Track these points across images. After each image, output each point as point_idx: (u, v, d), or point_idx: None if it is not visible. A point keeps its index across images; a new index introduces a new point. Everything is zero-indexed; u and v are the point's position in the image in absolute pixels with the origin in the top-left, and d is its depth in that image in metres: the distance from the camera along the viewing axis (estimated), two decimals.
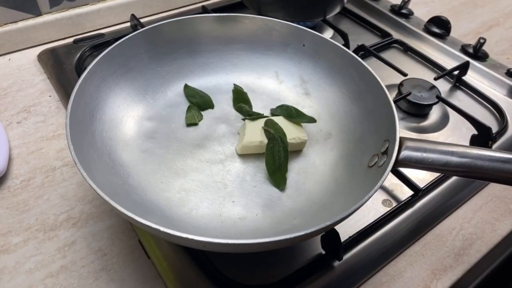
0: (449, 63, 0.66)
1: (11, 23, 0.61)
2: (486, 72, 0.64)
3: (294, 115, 0.47)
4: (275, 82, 0.53)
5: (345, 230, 0.41)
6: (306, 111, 0.49)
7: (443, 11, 0.82)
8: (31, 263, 0.39)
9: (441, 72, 0.62)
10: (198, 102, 0.49)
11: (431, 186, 0.47)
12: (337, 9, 0.66)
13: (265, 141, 0.44)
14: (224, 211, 0.40)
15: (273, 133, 0.43)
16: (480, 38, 0.66)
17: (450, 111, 0.57)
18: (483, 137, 0.52)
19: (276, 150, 0.43)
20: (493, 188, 0.49)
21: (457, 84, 0.62)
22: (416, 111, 0.57)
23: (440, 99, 0.56)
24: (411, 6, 0.75)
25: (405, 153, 0.35)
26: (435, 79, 0.60)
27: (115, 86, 0.45)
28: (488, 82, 0.63)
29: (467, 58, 0.65)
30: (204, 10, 0.71)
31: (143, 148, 0.44)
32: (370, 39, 0.70)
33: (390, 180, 0.47)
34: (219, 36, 0.51)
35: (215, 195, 0.41)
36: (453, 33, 0.71)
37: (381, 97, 0.41)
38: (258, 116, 0.47)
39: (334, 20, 0.74)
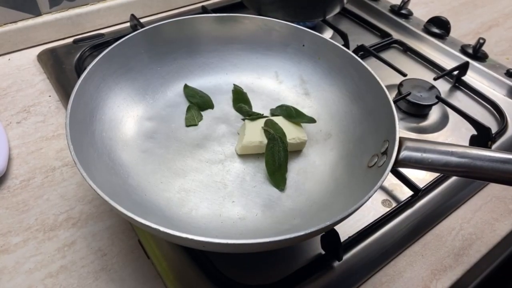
0: (448, 64, 0.66)
1: (11, 23, 0.61)
2: (486, 72, 0.64)
3: (294, 115, 0.47)
4: (275, 82, 0.53)
5: (345, 230, 0.41)
6: (306, 111, 0.49)
7: (442, 11, 0.82)
8: (31, 263, 0.39)
9: (441, 72, 0.63)
10: (198, 102, 0.49)
11: (431, 186, 0.47)
12: (337, 10, 0.66)
13: (265, 141, 0.44)
14: (224, 211, 0.40)
15: (273, 133, 0.43)
16: (480, 38, 0.66)
17: (450, 111, 0.57)
18: (482, 137, 0.52)
19: (276, 150, 0.43)
20: (493, 188, 0.49)
21: (457, 84, 0.62)
22: (415, 111, 0.57)
23: (439, 99, 0.56)
24: (410, 6, 0.75)
25: (404, 153, 0.35)
26: (435, 79, 0.60)
27: (115, 86, 0.45)
28: (487, 83, 0.63)
29: (466, 59, 0.65)
30: (204, 10, 0.71)
31: (143, 148, 0.44)
32: (369, 39, 0.70)
33: (390, 180, 0.47)
34: (219, 36, 0.51)
35: (215, 195, 0.41)
36: (453, 34, 0.71)
37: (380, 97, 0.41)
38: (258, 116, 0.47)
39: (333, 20, 0.74)
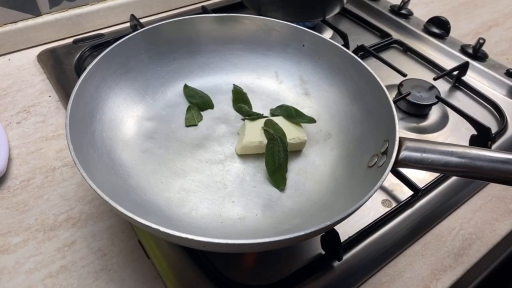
0: (448, 64, 0.66)
1: (11, 23, 0.61)
2: (486, 72, 0.64)
3: (294, 115, 0.47)
4: (275, 82, 0.53)
5: (345, 230, 0.41)
6: (306, 111, 0.49)
7: (442, 11, 0.82)
8: (31, 263, 0.39)
9: (441, 72, 0.63)
10: (198, 103, 0.49)
11: (431, 186, 0.47)
12: (337, 10, 0.66)
13: (265, 141, 0.44)
14: (224, 211, 0.40)
15: (273, 133, 0.43)
16: (480, 38, 0.66)
17: (450, 111, 0.57)
18: (482, 137, 0.52)
19: (276, 150, 0.43)
20: (493, 188, 0.49)
21: (457, 84, 0.62)
22: (415, 111, 0.57)
23: (439, 99, 0.56)
24: (410, 6, 0.75)
25: (404, 153, 0.35)
26: (435, 79, 0.60)
27: (115, 86, 0.45)
28: (487, 82, 0.63)
29: (466, 59, 0.65)
30: (204, 10, 0.71)
31: (143, 148, 0.44)
32: (369, 40, 0.70)
33: (390, 180, 0.47)
34: (219, 36, 0.51)
35: (215, 195, 0.41)
36: (453, 34, 0.71)
37: (380, 97, 0.41)
38: (258, 116, 0.47)
39: (333, 20, 0.74)
